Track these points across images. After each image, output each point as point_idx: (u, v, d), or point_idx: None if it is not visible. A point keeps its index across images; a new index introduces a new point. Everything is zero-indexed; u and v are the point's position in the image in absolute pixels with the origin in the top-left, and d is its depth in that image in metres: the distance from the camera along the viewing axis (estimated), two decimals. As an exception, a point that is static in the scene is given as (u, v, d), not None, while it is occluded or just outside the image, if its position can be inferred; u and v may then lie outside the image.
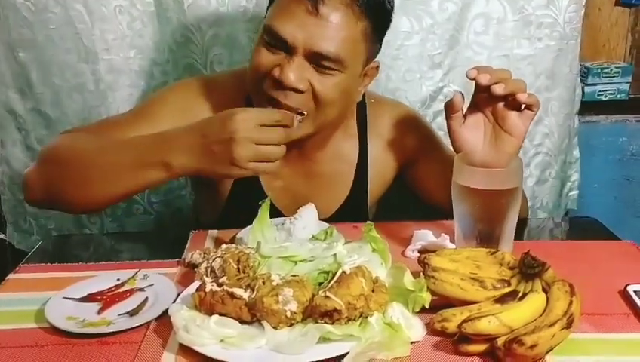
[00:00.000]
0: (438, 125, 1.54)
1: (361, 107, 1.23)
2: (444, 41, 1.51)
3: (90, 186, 1.03)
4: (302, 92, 1.03)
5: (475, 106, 1.08)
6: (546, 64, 1.54)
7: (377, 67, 1.14)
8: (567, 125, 1.64)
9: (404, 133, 1.24)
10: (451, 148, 1.11)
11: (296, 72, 1.01)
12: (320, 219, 1.09)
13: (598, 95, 1.85)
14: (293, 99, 1.04)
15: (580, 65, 1.67)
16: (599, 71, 1.83)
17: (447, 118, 1.08)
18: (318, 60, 1.02)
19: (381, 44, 1.13)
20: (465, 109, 1.08)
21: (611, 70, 1.84)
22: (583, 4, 1.54)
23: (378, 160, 1.24)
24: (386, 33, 1.12)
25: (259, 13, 1.41)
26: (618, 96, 1.87)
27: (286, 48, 1.02)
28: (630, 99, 1.88)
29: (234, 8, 1.46)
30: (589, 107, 1.79)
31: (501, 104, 1.05)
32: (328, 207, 1.23)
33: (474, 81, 1.42)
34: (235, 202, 1.22)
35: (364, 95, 1.20)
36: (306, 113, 1.06)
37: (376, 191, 1.26)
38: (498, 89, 1.00)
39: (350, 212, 1.24)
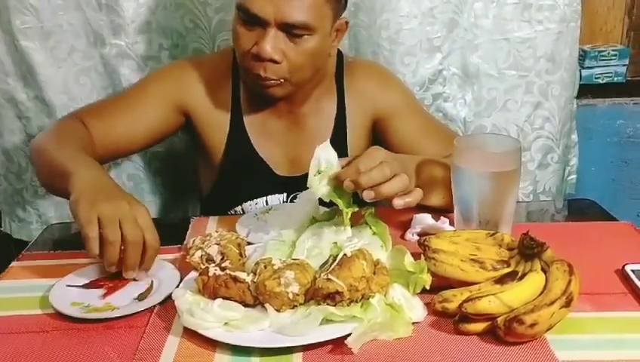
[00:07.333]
0: (437, 107, 1.55)
1: (339, 66, 1.31)
2: (444, 25, 1.50)
3: (48, 177, 1.11)
4: (278, 62, 1.11)
5: None
6: (546, 47, 1.52)
7: (347, 22, 1.21)
8: (569, 109, 1.62)
9: (377, 89, 1.31)
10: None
11: (271, 44, 1.09)
12: (303, 172, 1.08)
13: (595, 78, 1.85)
14: (271, 70, 1.12)
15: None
16: (596, 54, 1.83)
17: None
18: (289, 29, 1.10)
19: (346, 1, 1.19)
20: None
21: (608, 53, 1.84)
22: None
23: (354, 113, 1.30)
24: None
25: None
26: (615, 79, 1.87)
27: (260, 23, 1.09)
28: (627, 82, 1.88)
29: None
30: (586, 90, 1.79)
31: None
32: (310, 160, 1.25)
33: (472, 64, 1.45)
34: (230, 159, 1.29)
35: (342, 56, 1.31)
36: (282, 80, 1.14)
37: (356, 143, 1.30)
38: (366, 197, 0.93)
39: None
